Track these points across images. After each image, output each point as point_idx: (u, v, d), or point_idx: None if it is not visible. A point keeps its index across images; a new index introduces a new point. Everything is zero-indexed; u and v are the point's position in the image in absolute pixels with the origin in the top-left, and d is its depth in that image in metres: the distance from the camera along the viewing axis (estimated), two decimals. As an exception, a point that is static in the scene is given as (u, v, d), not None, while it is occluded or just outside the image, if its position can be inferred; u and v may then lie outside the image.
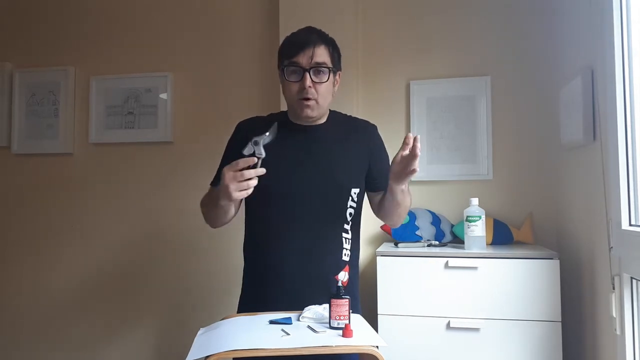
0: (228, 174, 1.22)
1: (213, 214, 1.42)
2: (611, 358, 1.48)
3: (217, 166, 1.55)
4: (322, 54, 1.39)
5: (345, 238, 1.45)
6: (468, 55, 2.27)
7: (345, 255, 1.44)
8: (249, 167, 1.22)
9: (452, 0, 2.30)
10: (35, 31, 2.71)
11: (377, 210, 1.51)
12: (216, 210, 1.37)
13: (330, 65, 1.40)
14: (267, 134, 1.25)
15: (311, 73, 1.37)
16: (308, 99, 1.38)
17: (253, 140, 1.24)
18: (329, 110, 1.54)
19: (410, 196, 1.44)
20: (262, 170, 1.23)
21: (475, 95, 2.24)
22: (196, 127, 2.51)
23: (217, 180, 1.50)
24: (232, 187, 1.22)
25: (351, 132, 1.50)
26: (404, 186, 1.34)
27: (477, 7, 2.27)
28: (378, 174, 1.48)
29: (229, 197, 1.24)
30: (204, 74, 2.51)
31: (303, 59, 1.37)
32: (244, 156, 1.24)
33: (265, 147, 1.26)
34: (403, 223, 1.89)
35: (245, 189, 1.23)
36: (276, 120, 1.53)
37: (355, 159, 1.46)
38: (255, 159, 1.22)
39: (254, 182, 1.23)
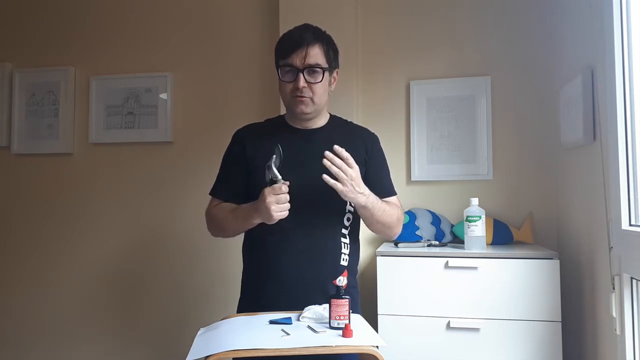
0: (270, 196, 1.26)
1: (234, 227, 1.42)
2: (611, 358, 1.48)
3: (217, 167, 1.55)
4: (315, 54, 1.38)
5: (344, 243, 1.44)
6: (468, 55, 2.27)
7: (343, 260, 1.43)
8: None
9: (452, 0, 2.30)
10: (35, 31, 2.71)
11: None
12: (244, 226, 1.39)
13: (324, 65, 1.39)
14: (274, 156, 1.29)
15: (305, 73, 1.37)
16: (303, 97, 1.38)
17: (266, 166, 1.29)
18: (329, 114, 1.53)
19: (389, 214, 1.41)
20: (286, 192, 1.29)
21: (475, 95, 2.24)
22: (196, 127, 2.51)
23: (217, 189, 1.51)
24: (274, 208, 1.26)
25: (350, 137, 1.49)
26: (363, 203, 1.33)
27: (477, 7, 2.27)
28: (371, 183, 1.44)
29: (269, 217, 1.28)
30: (204, 74, 2.51)
31: (296, 60, 1.37)
32: (264, 180, 1.30)
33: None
34: (403, 223, 1.89)
35: (284, 211, 1.28)
36: (273, 124, 1.53)
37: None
38: (284, 185, 1.28)
39: (289, 205, 1.29)
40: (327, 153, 1.27)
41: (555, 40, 2.13)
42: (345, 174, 1.26)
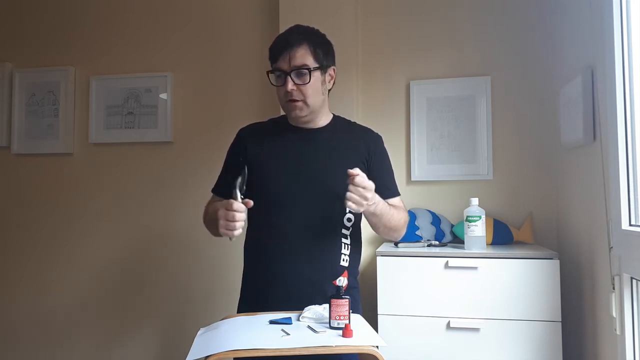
0: (221, 210, 1.29)
1: (213, 228, 1.42)
2: (611, 358, 1.48)
3: (217, 167, 1.55)
4: (301, 55, 1.36)
5: (345, 244, 1.44)
6: (468, 55, 2.27)
7: (343, 260, 1.43)
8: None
9: (452, 0, 2.30)
10: (35, 31, 2.71)
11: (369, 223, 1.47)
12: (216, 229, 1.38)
13: (312, 64, 1.37)
14: (239, 177, 1.31)
15: (293, 76, 1.36)
16: (295, 100, 1.37)
17: (233, 185, 1.31)
18: (333, 114, 1.53)
19: (396, 218, 1.41)
20: (241, 210, 1.28)
21: (475, 95, 2.24)
22: (196, 127, 2.51)
23: (217, 187, 1.51)
24: (222, 223, 1.28)
25: (351, 137, 1.48)
26: (372, 211, 1.32)
27: (477, 7, 2.27)
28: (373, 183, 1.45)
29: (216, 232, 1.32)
30: (204, 74, 2.51)
31: (283, 63, 1.36)
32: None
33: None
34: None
35: (231, 230, 1.27)
36: (276, 124, 1.53)
37: (354, 165, 1.43)
38: (250, 203, 1.30)
39: (240, 224, 1.27)
40: (351, 186, 1.23)
41: (555, 40, 2.13)
42: (363, 199, 1.24)
